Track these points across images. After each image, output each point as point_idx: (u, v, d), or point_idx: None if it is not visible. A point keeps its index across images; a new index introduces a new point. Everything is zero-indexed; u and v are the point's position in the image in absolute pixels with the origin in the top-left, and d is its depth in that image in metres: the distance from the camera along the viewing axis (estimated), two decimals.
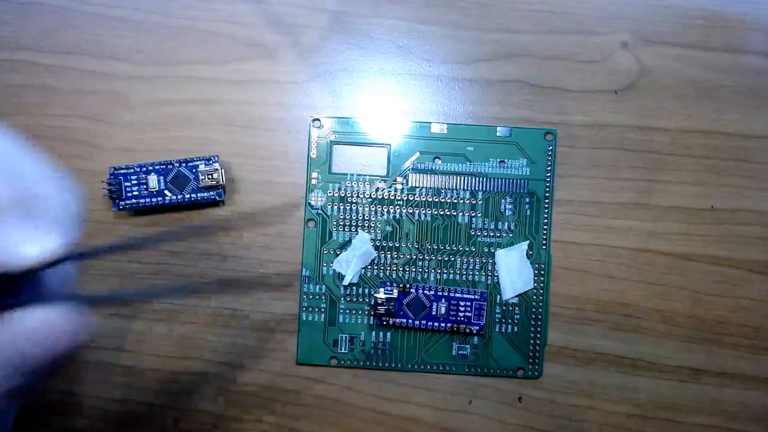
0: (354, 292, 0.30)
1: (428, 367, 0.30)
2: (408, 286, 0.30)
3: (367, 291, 0.30)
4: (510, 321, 0.30)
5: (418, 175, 0.30)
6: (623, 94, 0.31)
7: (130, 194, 0.29)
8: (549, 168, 0.31)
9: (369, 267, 0.30)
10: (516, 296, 0.30)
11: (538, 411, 0.30)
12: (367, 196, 0.30)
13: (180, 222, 0.30)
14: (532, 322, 0.30)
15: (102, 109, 0.30)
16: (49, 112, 0.30)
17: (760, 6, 0.31)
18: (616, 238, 0.30)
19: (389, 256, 0.30)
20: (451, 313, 0.30)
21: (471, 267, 0.30)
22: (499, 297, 0.30)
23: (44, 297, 0.16)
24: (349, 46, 0.31)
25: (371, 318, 0.30)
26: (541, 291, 0.30)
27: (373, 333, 0.30)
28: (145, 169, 0.29)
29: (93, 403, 0.30)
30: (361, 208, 0.30)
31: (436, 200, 0.30)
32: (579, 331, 0.30)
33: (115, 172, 0.29)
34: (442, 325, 0.30)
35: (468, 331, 0.30)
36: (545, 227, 0.30)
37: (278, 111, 0.31)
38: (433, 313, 0.30)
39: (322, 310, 0.30)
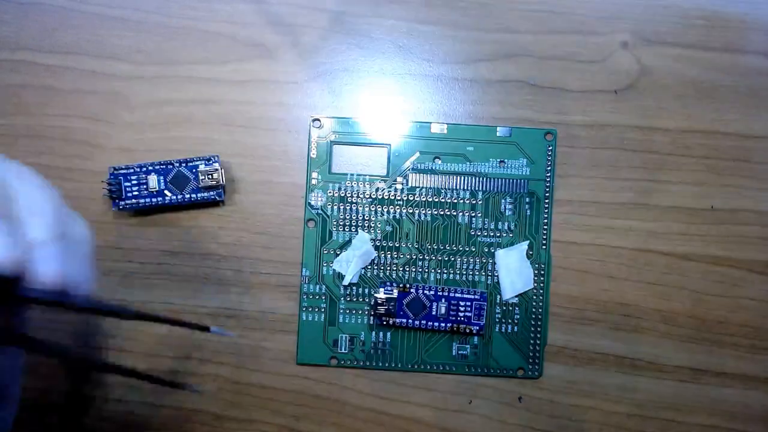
0: (354, 292, 0.30)
1: (428, 367, 0.30)
2: (408, 286, 0.30)
3: (367, 291, 0.30)
4: (510, 321, 0.30)
5: (418, 175, 0.30)
6: (623, 94, 0.31)
7: (130, 194, 0.29)
8: (549, 168, 0.31)
9: (369, 267, 0.30)
10: (516, 296, 0.30)
11: (538, 411, 0.30)
12: (367, 196, 0.30)
13: (180, 222, 0.30)
14: (532, 322, 0.30)
15: (102, 109, 0.30)
16: (49, 112, 0.30)
17: (760, 6, 0.31)
18: (616, 238, 0.30)
19: (389, 256, 0.30)
20: (451, 313, 0.30)
21: (471, 267, 0.30)
22: (499, 297, 0.30)
23: None
24: (349, 46, 0.31)
25: (371, 318, 0.30)
26: (541, 291, 0.30)
27: (373, 333, 0.30)
28: (145, 169, 0.29)
29: (93, 403, 0.30)
30: (361, 208, 0.30)
31: (436, 200, 0.30)
32: (579, 331, 0.30)
33: (115, 172, 0.29)
34: (442, 325, 0.30)
35: (468, 331, 0.30)
36: (545, 227, 0.30)
37: (278, 111, 0.31)
38: (433, 313, 0.30)
39: (322, 310, 0.30)
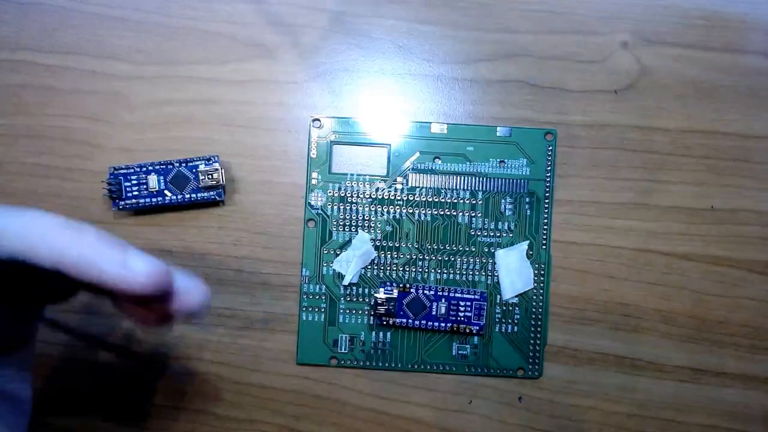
0: (354, 292, 0.30)
1: (428, 367, 0.30)
2: (408, 286, 0.30)
3: (367, 291, 0.30)
4: (510, 321, 0.30)
5: (418, 175, 0.30)
6: (623, 94, 0.31)
7: (130, 194, 0.29)
8: (549, 168, 0.31)
9: (369, 267, 0.30)
10: (516, 296, 0.30)
11: (538, 411, 0.30)
12: (367, 196, 0.30)
13: (180, 222, 0.30)
14: (532, 322, 0.30)
15: (102, 109, 0.30)
16: (49, 112, 0.30)
17: (760, 6, 0.31)
18: (616, 238, 0.30)
19: (389, 256, 0.30)
20: (451, 313, 0.30)
21: (471, 267, 0.30)
22: (499, 297, 0.30)
23: None
24: (349, 46, 0.31)
25: (371, 318, 0.30)
26: (541, 291, 0.30)
27: (373, 333, 0.30)
28: (145, 169, 0.29)
29: (93, 403, 0.30)
30: (361, 208, 0.30)
31: (436, 200, 0.30)
32: (579, 331, 0.30)
33: (115, 172, 0.29)
34: (442, 325, 0.30)
35: (468, 331, 0.30)
36: (545, 227, 0.30)
37: (278, 111, 0.31)
38: (433, 313, 0.30)
39: (322, 310, 0.30)
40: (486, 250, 0.30)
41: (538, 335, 0.30)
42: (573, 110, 0.31)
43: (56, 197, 0.30)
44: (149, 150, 0.30)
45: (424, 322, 0.30)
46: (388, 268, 0.30)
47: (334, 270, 0.30)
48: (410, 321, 0.30)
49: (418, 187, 0.30)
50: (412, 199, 0.30)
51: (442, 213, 0.30)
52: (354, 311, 0.30)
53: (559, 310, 0.30)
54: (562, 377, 0.30)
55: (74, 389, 0.30)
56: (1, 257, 0.17)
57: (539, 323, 0.30)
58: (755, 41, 0.31)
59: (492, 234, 0.30)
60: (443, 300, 0.30)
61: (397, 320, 0.30)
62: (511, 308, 0.30)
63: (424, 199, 0.30)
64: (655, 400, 0.30)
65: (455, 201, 0.30)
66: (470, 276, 0.30)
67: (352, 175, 0.30)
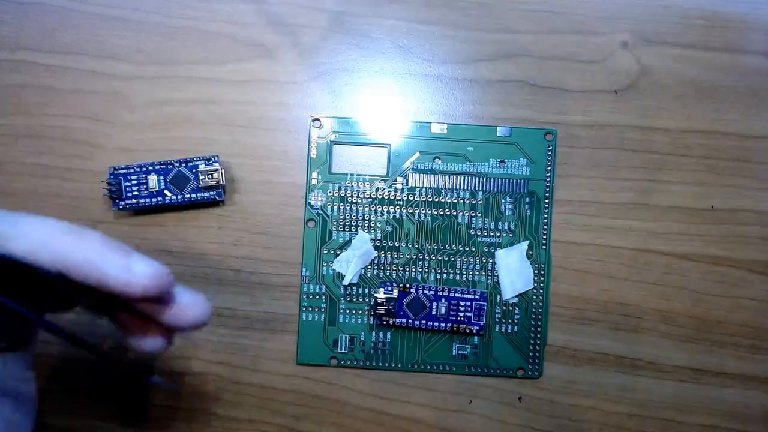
0: (354, 292, 0.30)
1: (428, 367, 0.30)
2: (408, 286, 0.30)
3: (367, 291, 0.30)
4: (510, 321, 0.30)
5: (418, 175, 0.30)
6: (623, 94, 0.31)
7: (130, 194, 0.29)
8: (549, 168, 0.31)
9: (369, 267, 0.30)
10: (516, 296, 0.30)
11: (538, 411, 0.30)
12: (367, 196, 0.30)
13: (180, 222, 0.30)
14: (532, 322, 0.30)
15: (102, 109, 0.30)
16: (49, 112, 0.30)
17: (760, 6, 0.31)
18: (616, 238, 0.30)
19: (389, 256, 0.30)
20: (451, 313, 0.30)
21: (471, 267, 0.30)
22: (499, 297, 0.30)
23: None
24: (349, 46, 0.31)
25: (371, 318, 0.30)
26: (541, 291, 0.30)
27: (373, 333, 0.30)
28: (145, 169, 0.29)
29: (93, 403, 0.30)
30: (361, 208, 0.30)
31: (436, 200, 0.30)
32: (579, 331, 0.30)
33: (115, 172, 0.29)
34: (442, 325, 0.30)
35: (468, 331, 0.30)
36: (545, 227, 0.30)
37: (278, 111, 0.31)
38: (433, 313, 0.30)
39: (322, 310, 0.30)
40: (486, 250, 0.30)
41: (538, 335, 0.30)
42: (573, 110, 0.31)
43: (56, 197, 0.30)
44: (149, 150, 0.30)
45: (424, 322, 0.30)
46: (388, 268, 0.30)
47: (334, 270, 0.30)
48: (410, 321, 0.30)
49: (418, 187, 0.30)
50: (412, 199, 0.30)
51: (442, 213, 0.30)
52: (354, 311, 0.30)
53: (559, 310, 0.30)
54: (562, 377, 0.30)
55: (74, 389, 0.30)
56: (7, 259, 0.17)
57: (539, 323, 0.30)
58: (755, 41, 0.31)
59: (492, 234, 0.30)
60: (443, 300, 0.30)
61: (397, 320, 0.30)
62: (511, 308, 0.30)
63: (424, 199, 0.30)
64: (655, 400, 0.30)
65: (455, 201, 0.30)
66: (470, 276, 0.30)
67: (352, 175, 0.30)
